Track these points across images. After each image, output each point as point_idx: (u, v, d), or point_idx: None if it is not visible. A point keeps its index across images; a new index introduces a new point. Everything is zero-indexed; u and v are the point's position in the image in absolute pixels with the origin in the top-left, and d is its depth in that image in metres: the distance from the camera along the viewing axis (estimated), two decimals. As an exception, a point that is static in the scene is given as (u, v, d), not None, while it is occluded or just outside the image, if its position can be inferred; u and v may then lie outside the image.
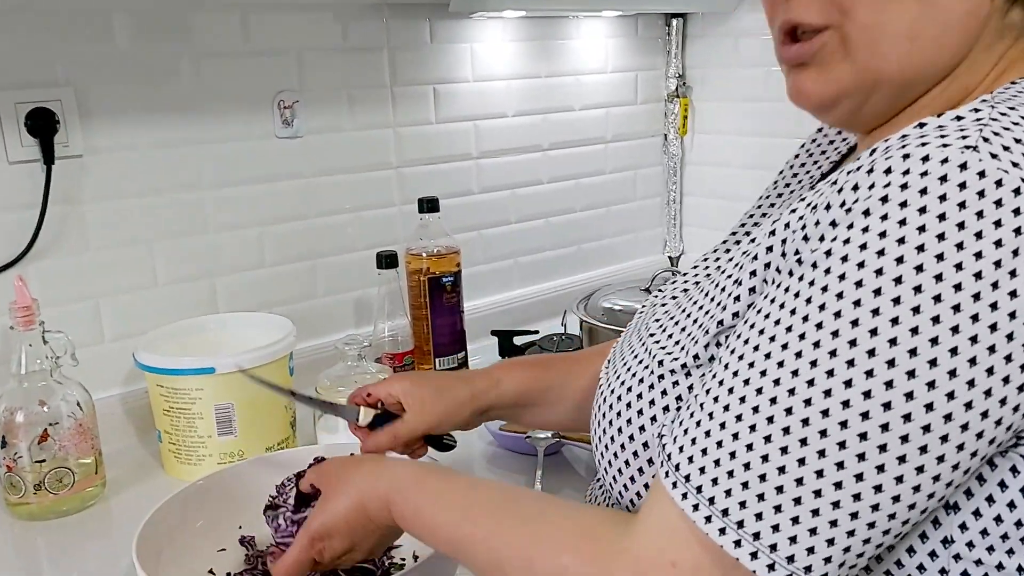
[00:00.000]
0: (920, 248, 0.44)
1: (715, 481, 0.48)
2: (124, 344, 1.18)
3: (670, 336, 0.60)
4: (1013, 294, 0.43)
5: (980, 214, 0.44)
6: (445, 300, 1.27)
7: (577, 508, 0.58)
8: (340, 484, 0.68)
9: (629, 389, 0.61)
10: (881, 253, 0.45)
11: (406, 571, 0.72)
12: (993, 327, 0.43)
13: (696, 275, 0.68)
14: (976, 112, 0.48)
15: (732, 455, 0.47)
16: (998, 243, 0.43)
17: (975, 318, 0.43)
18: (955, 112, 0.49)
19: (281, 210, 1.31)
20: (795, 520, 0.46)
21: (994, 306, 0.43)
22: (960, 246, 0.43)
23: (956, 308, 0.43)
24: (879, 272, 0.45)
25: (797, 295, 0.48)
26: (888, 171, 0.46)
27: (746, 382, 0.48)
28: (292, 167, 1.31)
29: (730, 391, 0.49)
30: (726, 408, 0.49)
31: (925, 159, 0.45)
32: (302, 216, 1.33)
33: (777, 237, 0.52)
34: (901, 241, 0.44)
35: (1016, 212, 0.43)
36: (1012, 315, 0.43)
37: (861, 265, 0.45)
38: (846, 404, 0.45)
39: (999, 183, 0.44)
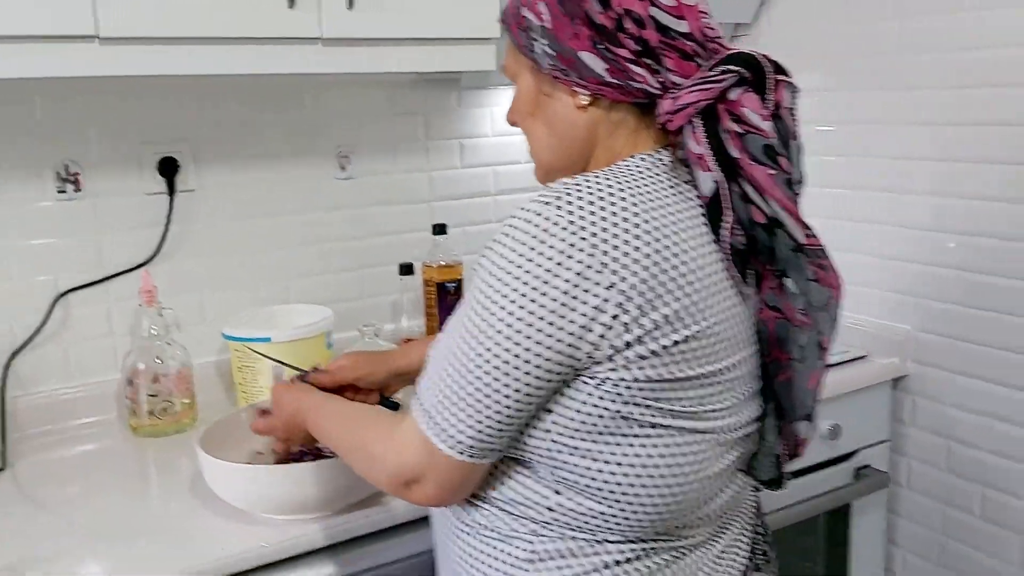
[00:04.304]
0: (506, 267, 0.75)
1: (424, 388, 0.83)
2: (219, 324, 1.63)
3: None
4: (546, 283, 0.73)
5: (533, 238, 0.74)
6: (449, 301, 1.67)
7: (383, 414, 0.98)
8: (281, 403, 1.11)
9: None
10: (489, 271, 0.77)
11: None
12: (530, 301, 0.74)
13: None
14: (575, 177, 0.78)
15: (430, 377, 0.82)
16: (541, 254, 0.73)
17: (523, 296, 0.74)
18: (569, 178, 0.78)
19: (339, 232, 1.76)
20: (447, 404, 0.79)
21: (537, 290, 0.74)
22: (518, 264, 0.74)
23: (505, 295, 0.75)
24: (487, 281, 0.77)
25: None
26: (513, 216, 0.77)
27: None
28: (348, 200, 1.76)
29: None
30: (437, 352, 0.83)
31: (523, 209, 0.76)
32: (355, 237, 1.78)
33: None
34: (501, 260, 0.76)
35: (561, 240, 0.73)
36: (543, 293, 0.73)
37: (481, 276, 0.78)
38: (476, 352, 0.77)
39: (555, 223, 0.74)
